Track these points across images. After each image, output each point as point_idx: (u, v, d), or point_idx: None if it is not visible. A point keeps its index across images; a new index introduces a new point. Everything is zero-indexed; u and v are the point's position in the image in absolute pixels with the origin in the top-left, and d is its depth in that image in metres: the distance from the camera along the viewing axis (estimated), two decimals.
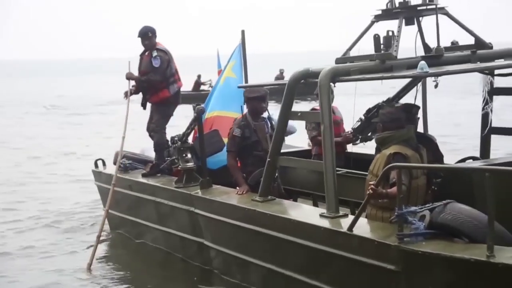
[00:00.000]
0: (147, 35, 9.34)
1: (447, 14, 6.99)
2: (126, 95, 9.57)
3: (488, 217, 4.65)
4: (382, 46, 6.74)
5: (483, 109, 7.72)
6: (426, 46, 7.17)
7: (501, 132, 7.71)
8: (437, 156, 7.02)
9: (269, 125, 7.89)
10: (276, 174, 7.57)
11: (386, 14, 6.94)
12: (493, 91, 7.58)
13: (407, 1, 6.96)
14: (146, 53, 9.41)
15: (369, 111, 8.19)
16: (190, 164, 8.46)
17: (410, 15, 6.90)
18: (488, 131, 7.72)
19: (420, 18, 7.06)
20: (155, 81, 9.21)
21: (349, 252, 5.68)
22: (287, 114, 6.84)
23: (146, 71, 9.33)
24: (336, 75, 6.42)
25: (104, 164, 10.75)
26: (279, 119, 6.93)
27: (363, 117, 8.25)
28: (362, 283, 5.66)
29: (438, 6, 6.90)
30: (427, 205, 5.28)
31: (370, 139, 8.25)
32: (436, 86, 7.65)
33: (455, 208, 5.13)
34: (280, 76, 36.29)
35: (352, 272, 5.74)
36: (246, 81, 9.68)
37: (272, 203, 6.99)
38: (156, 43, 9.38)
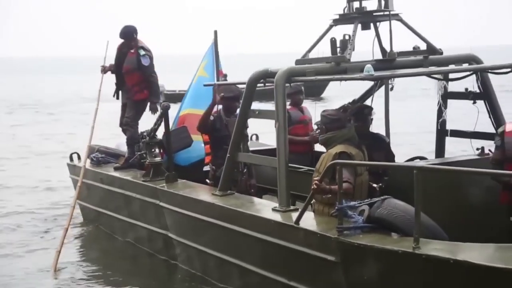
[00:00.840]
0: (132, 36, 9.63)
1: (401, 20, 7.31)
2: (104, 69, 9.94)
3: (415, 212, 4.97)
4: (338, 49, 7.07)
5: (438, 112, 8.06)
6: (383, 50, 7.49)
7: (455, 135, 8.02)
8: (389, 155, 7.36)
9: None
10: (245, 170, 7.89)
11: (343, 19, 7.25)
12: (447, 95, 7.90)
13: (363, 7, 7.28)
14: (132, 50, 9.63)
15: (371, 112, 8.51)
16: (158, 159, 8.75)
17: (366, 20, 7.21)
18: (442, 133, 8.05)
19: (378, 24, 7.38)
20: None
21: (296, 243, 6.00)
22: (246, 112, 7.15)
23: (131, 67, 9.59)
24: (292, 76, 6.72)
25: (79, 157, 11.03)
26: (239, 117, 7.24)
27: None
28: (308, 273, 5.98)
29: (393, 12, 7.22)
30: (366, 200, 5.60)
31: None
32: (391, 89, 8.04)
33: (391, 203, 5.45)
34: None
35: (298, 262, 6.05)
36: (218, 80, 9.98)
37: (231, 197, 7.30)
38: (138, 41, 9.68)
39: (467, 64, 7.46)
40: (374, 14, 7.27)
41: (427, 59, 7.32)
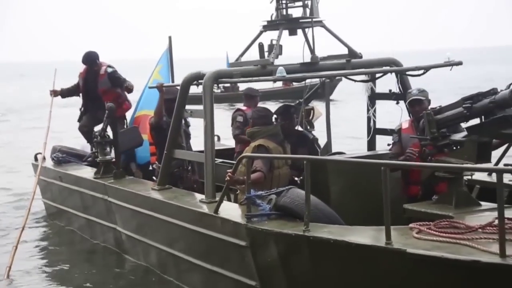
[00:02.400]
0: (95, 62, 10.51)
1: (324, 26, 7.89)
2: (54, 93, 10.58)
3: (305, 199, 5.53)
4: (266, 53, 7.65)
5: (367, 112, 8.63)
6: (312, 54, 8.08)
7: (383, 133, 8.58)
8: (312, 150, 7.95)
9: (183, 122, 8.72)
10: (189, 167, 8.47)
11: (271, 25, 7.82)
12: (374, 96, 8.48)
13: (289, 14, 7.86)
14: (102, 72, 10.44)
15: (296, 111, 9.08)
16: (108, 157, 9.31)
17: (291, 26, 7.79)
18: (372, 132, 8.62)
19: (307, 30, 7.95)
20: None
21: (215, 231, 6.56)
22: (181, 112, 7.71)
23: (106, 88, 10.43)
24: (219, 78, 7.28)
25: (44, 158, 11.56)
26: (174, 116, 7.79)
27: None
28: (226, 258, 6.55)
29: (317, 19, 7.80)
30: (273, 190, 6.17)
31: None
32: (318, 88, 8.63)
33: (294, 192, 6.01)
34: None
35: (218, 249, 6.62)
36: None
37: (167, 191, 7.85)
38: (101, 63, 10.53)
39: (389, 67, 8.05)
40: (301, 21, 7.85)
41: (350, 62, 7.89)
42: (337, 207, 6.73)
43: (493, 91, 5.68)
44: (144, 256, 8.36)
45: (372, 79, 8.38)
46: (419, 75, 7.73)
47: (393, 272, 4.89)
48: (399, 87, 8.10)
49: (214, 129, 7.24)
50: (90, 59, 10.58)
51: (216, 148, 10.01)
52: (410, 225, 5.20)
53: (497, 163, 6.99)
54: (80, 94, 10.99)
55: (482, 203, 5.96)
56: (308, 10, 7.85)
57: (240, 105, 9.88)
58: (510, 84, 5.63)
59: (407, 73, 7.81)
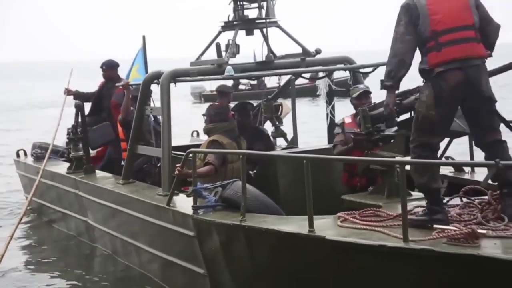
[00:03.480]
0: (116, 71, 10.35)
1: (279, 27, 8.25)
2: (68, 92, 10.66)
3: (242, 191, 5.90)
4: (224, 52, 8.02)
5: (326, 109, 9.01)
6: (272, 53, 8.45)
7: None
8: (269, 145, 8.33)
9: (152, 119, 9.08)
10: (159, 164, 8.87)
11: (228, 26, 8.19)
12: (332, 93, 8.85)
13: (246, 15, 8.23)
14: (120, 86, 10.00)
15: (253, 108, 9.47)
16: (80, 153, 9.70)
17: (247, 27, 8.16)
18: (328, 127, 8.99)
19: (265, 30, 8.32)
20: None
21: (168, 222, 6.95)
22: (142, 109, 8.08)
23: (118, 103, 9.82)
24: (176, 76, 7.65)
25: (25, 154, 11.98)
26: (135, 113, 8.17)
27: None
28: (178, 247, 6.95)
29: (272, 20, 8.17)
30: (218, 183, 6.54)
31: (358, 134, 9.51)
32: (278, 87, 8.98)
33: (237, 185, 6.37)
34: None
35: (171, 239, 7.02)
36: None
37: (130, 185, 8.24)
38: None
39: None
40: (257, 21, 8.22)
41: (304, 61, 8.25)
42: (286, 199, 7.14)
43: (419, 89, 6.03)
44: (112, 247, 8.76)
45: (328, 75, 8.77)
46: (369, 73, 8.12)
47: (316, 258, 5.26)
48: (351, 84, 8.46)
49: (171, 125, 7.61)
50: (110, 64, 10.47)
51: (195, 143, 10.48)
52: (338, 214, 5.56)
53: (440, 157, 7.37)
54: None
55: (413, 193, 6.34)
56: (264, 11, 8.22)
57: None
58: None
59: (360, 70, 8.18)
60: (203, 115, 9.54)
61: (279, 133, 10.10)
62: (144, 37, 11.15)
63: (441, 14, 5.23)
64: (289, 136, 9.91)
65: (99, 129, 10.02)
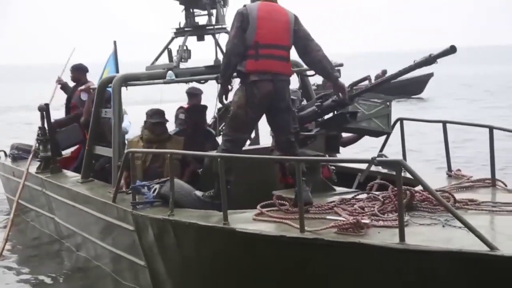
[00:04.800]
0: (83, 74, 10.73)
1: (227, 33, 8.64)
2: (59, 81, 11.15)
3: (170, 187, 6.34)
4: (175, 57, 8.48)
5: None
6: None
7: None
8: (215, 145, 8.79)
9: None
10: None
11: (180, 32, 8.63)
12: None
13: (197, 22, 8.67)
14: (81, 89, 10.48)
15: (219, 110, 9.91)
16: (48, 153, 10.17)
17: (197, 33, 8.59)
18: None
19: (218, 36, 8.76)
20: None
21: (113, 218, 7.42)
22: (98, 112, 8.53)
23: (76, 105, 10.56)
24: (127, 80, 8.10)
25: (6, 155, 12.48)
26: (92, 116, 8.63)
27: (216, 116, 10.01)
28: (122, 241, 7.42)
29: (220, 26, 8.61)
30: (156, 180, 7.00)
31: (218, 134, 9.97)
32: (230, 89, 9.42)
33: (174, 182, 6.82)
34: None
35: (117, 233, 7.49)
36: None
37: (88, 184, 8.70)
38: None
39: None
40: (207, 28, 8.66)
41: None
42: (232, 196, 7.55)
43: (329, 92, 6.50)
44: (74, 242, 9.24)
45: None
46: (312, 75, 8.56)
47: (230, 248, 5.70)
48: (350, 84, 8.90)
49: (121, 126, 8.06)
50: (78, 69, 10.79)
51: None
52: (258, 207, 5.99)
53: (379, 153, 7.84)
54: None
55: (338, 188, 6.77)
56: (213, 18, 8.66)
57: None
58: (351, 84, 6.42)
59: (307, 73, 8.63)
60: (177, 117, 10.01)
61: None
62: (115, 42, 11.65)
63: (266, 30, 6.05)
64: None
65: (67, 131, 10.49)
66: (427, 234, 4.94)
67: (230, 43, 6.19)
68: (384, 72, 31.44)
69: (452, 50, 5.43)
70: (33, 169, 10.68)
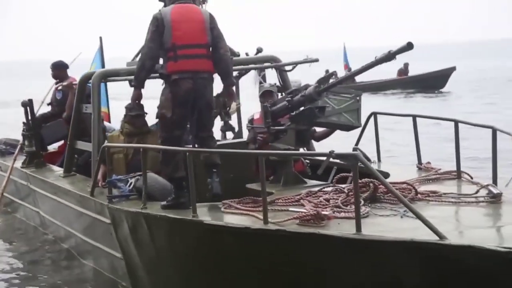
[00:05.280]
0: (62, 71, 10.78)
1: None
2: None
3: (143, 181, 6.49)
4: None
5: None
6: None
7: None
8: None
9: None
10: None
11: None
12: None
13: None
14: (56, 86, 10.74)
15: None
16: (33, 148, 10.33)
17: None
18: None
19: None
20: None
21: (91, 211, 7.59)
22: (79, 107, 8.69)
23: (53, 101, 10.77)
24: (107, 76, 8.25)
25: None
26: (73, 111, 8.77)
27: None
28: (101, 233, 7.58)
29: None
30: (131, 174, 7.15)
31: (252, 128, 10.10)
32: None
33: (149, 176, 6.96)
34: (405, 70, 36.30)
35: (95, 226, 7.65)
36: None
37: (69, 178, 8.86)
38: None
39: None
40: None
41: (232, 60, 8.81)
42: (203, 189, 7.70)
43: (305, 87, 6.63)
44: (58, 234, 9.41)
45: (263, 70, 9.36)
46: (289, 70, 8.72)
47: (199, 240, 5.85)
48: (279, 80, 9.05)
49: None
50: (58, 66, 10.88)
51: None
52: (223, 201, 6.14)
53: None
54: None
55: (310, 181, 6.92)
56: None
57: None
58: (318, 80, 6.56)
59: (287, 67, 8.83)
60: None
61: (228, 127, 10.68)
62: (101, 38, 11.80)
63: (182, 31, 6.33)
64: None
65: (52, 126, 10.65)
66: (385, 225, 5.09)
67: (145, 47, 6.48)
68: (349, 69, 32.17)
69: (409, 46, 5.57)
70: (16, 163, 10.87)
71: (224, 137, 10.60)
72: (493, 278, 4.40)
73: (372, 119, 7.98)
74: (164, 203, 6.38)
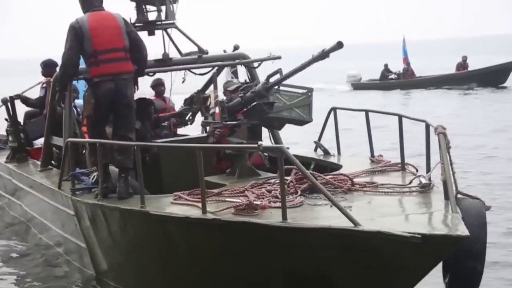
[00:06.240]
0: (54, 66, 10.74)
1: (176, 28, 9.13)
2: None
3: (99, 173, 6.80)
4: None
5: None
6: (179, 51, 9.38)
7: None
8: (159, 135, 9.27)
9: (75, 112, 9.99)
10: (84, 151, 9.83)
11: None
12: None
13: (147, 17, 9.11)
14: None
15: (185, 100, 10.36)
16: (15, 144, 10.67)
17: (147, 28, 9.04)
18: None
19: (170, 31, 9.21)
20: None
21: (58, 203, 7.93)
22: (54, 105, 9.00)
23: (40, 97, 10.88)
24: (80, 75, 8.54)
25: None
26: (48, 108, 9.11)
27: (183, 106, 10.47)
28: (68, 225, 7.92)
29: (168, 22, 9.05)
30: (94, 168, 7.45)
31: (186, 123, 10.43)
32: (183, 81, 9.86)
33: (111, 169, 7.28)
34: (463, 64, 34.69)
35: (63, 217, 7.99)
36: None
37: (45, 172, 9.19)
38: None
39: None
40: (157, 23, 9.10)
41: (201, 58, 9.12)
42: (170, 183, 8.02)
43: (256, 83, 6.92)
44: (38, 226, 9.76)
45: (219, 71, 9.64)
46: (256, 67, 9.02)
47: (148, 228, 6.17)
48: (248, 77, 9.33)
49: (72, 117, 8.52)
50: (47, 64, 10.89)
51: None
52: (174, 193, 6.43)
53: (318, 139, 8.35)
54: None
55: (264, 173, 7.20)
56: (162, 15, 9.10)
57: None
58: (267, 77, 6.85)
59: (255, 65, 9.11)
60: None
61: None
62: None
63: (100, 38, 6.85)
64: None
65: (36, 122, 10.96)
66: (313, 214, 5.38)
67: (65, 55, 7.00)
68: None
69: (339, 45, 5.84)
70: (3, 159, 11.23)
71: (204, 131, 10.91)
72: (400, 260, 4.69)
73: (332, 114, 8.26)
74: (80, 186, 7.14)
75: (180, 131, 10.96)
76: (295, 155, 8.39)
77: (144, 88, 12.85)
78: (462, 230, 4.56)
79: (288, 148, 9.01)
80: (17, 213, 10.88)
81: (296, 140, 11.66)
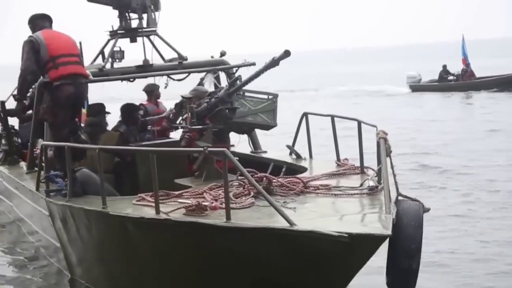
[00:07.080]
0: None
1: (157, 35, 9.41)
2: None
3: (68, 176, 7.06)
4: (111, 59, 9.24)
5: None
6: (162, 58, 9.66)
7: None
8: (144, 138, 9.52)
9: None
10: None
11: (114, 34, 9.38)
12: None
13: (130, 25, 9.40)
14: None
15: (176, 105, 10.63)
16: (7, 147, 10.98)
17: (129, 35, 9.33)
18: None
19: (152, 37, 9.51)
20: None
21: (37, 204, 8.20)
22: (38, 108, 9.27)
23: None
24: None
25: None
26: (34, 111, 9.39)
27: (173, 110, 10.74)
28: (45, 225, 8.22)
29: (150, 29, 9.33)
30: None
31: (176, 127, 10.71)
32: (165, 87, 10.11)
33: (82, 172, 7.53)
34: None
35: (41, 218, 8.26)
36: None
37: (31, 174, 9.43)
38: None
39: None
40: (138, 30, 9.39)
41: (181, 64, 9.39)
42: (145, 184, 8.25)
43: (220, 89, 7.16)
44: (25, 226, 10.06)
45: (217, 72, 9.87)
46: (234, 73, 9.26)
47: (109, 228, 6.41)
48: (229, 82, 9.56)
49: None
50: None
51: None
52: (138, 194, 6.66)
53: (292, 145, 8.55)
54: None
55: (232, 176, 7.41)
56: (143, 22, 9.39)
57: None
58: (229, 83, 7.09)
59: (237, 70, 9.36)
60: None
61: None
62: (80, 43, 12.42)
63: (55, 45, 7.40)
64: None
65: (29, 126, 11.28)
66: (259, 214, 5.58)
67: (24, 65, 7.41)
68: None
69: (286, 54, 6.08)
70: None
71: None
72: (333, 258, 4.89)
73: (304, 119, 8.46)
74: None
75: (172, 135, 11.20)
76: (270, 159, 8.79)
77: (134, 94, 13.22)
78: (387, 229, 4.75)
79: (265, 152, 9.40)
80: (11, 213, 11.19)
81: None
